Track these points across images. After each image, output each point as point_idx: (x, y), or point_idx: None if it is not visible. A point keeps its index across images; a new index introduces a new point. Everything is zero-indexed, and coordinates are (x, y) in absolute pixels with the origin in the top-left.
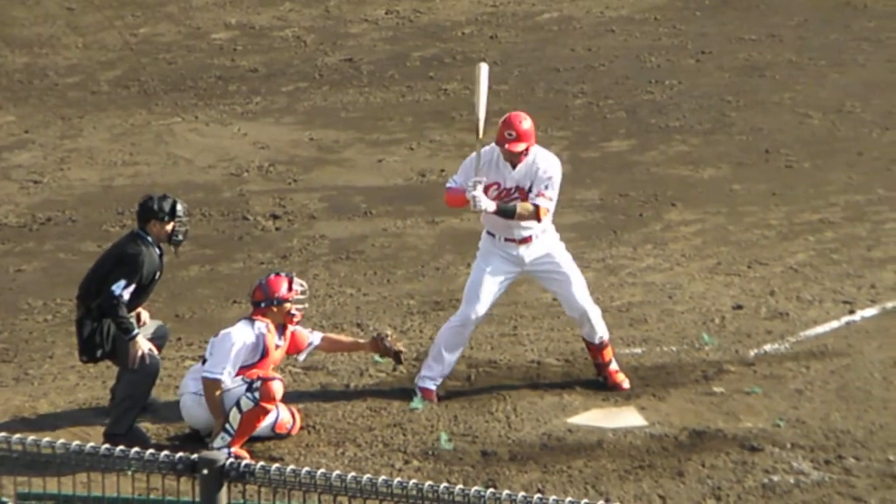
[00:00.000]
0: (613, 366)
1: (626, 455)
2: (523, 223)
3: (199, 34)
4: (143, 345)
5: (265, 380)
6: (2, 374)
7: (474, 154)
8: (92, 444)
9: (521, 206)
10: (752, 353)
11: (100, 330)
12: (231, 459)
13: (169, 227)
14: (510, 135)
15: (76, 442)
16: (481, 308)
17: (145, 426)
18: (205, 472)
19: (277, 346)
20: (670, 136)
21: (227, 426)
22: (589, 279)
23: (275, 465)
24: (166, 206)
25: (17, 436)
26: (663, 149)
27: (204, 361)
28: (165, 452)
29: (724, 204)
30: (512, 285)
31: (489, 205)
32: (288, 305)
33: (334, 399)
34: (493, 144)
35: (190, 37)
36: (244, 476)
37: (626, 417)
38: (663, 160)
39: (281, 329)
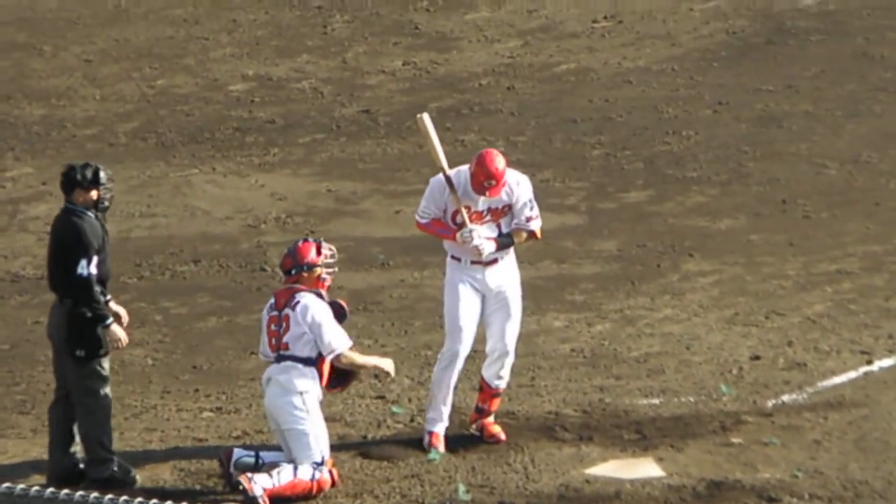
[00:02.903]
0: (491, 418)
1: None
2: None
3: (216, 86)
4: (119, 333)
5: (331, 472)
6: (20, 426)
7: (434, 181)
8: (111, 495)
9: (517, 237)
10: (769, 403)
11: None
12: None
13: (93, 194)
14: (490, 183)
15: (94, 494)
16: (467, 339)
17: (164, 479)
18: None
19: None
20: (688, 187)
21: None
22: (606, 330)
23: None
24: (88, 174)
25: (36, 487)
26: (680, 199)
27: (278, 358)
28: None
29: (741, 254)
30: (530, 336)
31: (491, 247)
32: (318, 270)
33: (352, 450)
34: (459, 169)
35: (207, 88)
36: None
37: (644, 468)
38: (681, 211)
39: None
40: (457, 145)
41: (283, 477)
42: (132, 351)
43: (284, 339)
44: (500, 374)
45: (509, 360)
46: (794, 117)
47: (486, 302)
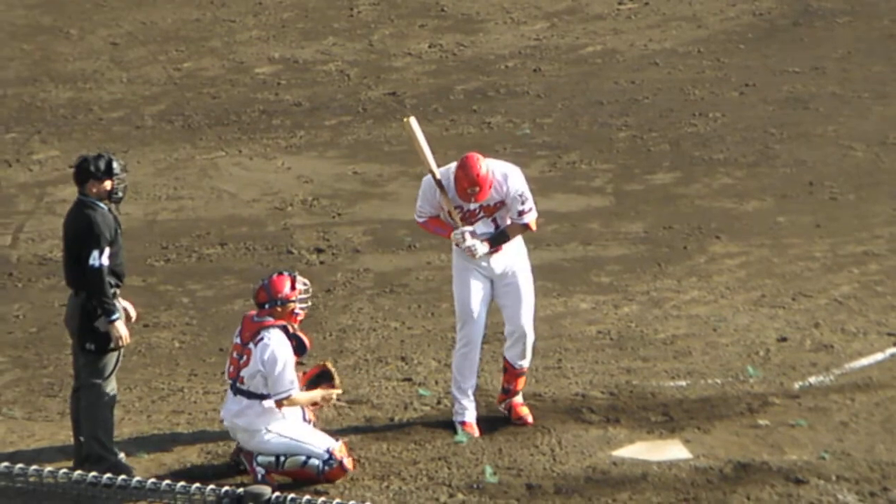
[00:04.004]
0: (519, 398)
1: (671, 488)
2: None
3: (242, 68)
4: (122, 330)
5: (341, 463)
6: (47, 409)
7: (426, 180)
8: (138, 477)
9: (512, 232)
10: (796, 385)
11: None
12: (276, 493)
13: (107, 184)
14: (473, 190)
15: (122, 476)
16: (478, 323)
17: (190, 461)
18: None
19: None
20: (714, 169)
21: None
22: (633, 312)
23: (321, 499)
24: (102, 165)
25: (63, 470)
26: (707, 181)
27: (233, 388)
28: (211, 486)
29: (768, 236)
30: (556, 318)
31: (484, 249)
32: (292, 305)
33: (379, 432)
34: (448, 168)
35: (234, 71)
36: None
37: (671, 450)
38: (707, 193)
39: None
40: (483, 128)
41: (290, 463)
42: (159, 333)
43: (242, 373)
44: (521, 354)
45: (529, 341)
46: (821, 99)
47: (495, 286)
